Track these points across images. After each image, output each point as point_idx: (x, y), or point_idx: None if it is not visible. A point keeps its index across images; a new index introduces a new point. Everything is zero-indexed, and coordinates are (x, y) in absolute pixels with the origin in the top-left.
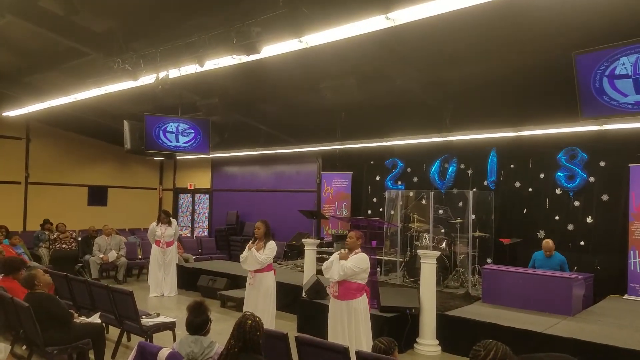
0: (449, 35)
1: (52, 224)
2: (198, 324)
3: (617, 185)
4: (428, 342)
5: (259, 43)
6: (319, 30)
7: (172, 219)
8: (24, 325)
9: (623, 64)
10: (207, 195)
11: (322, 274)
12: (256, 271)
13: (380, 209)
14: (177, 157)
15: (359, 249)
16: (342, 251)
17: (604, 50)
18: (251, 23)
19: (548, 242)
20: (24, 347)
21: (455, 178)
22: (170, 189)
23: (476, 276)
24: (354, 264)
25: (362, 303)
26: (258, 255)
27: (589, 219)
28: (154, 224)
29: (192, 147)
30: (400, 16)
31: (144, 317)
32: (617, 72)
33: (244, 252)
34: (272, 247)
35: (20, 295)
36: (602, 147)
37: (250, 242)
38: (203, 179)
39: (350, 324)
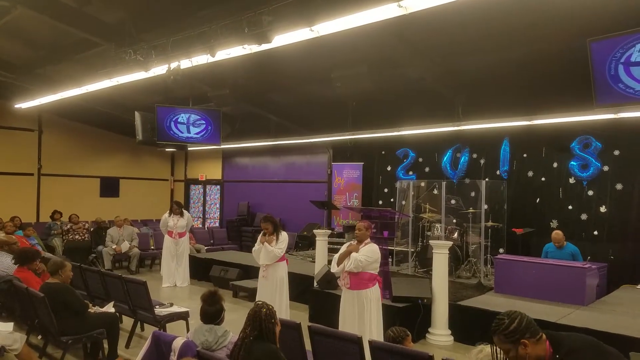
0: (461, 24)
1: (61, 214)
2: (212, 313)
3: (631, 175)
4: (440, 332)
5: (271, 32)
6: (331, 18)
7: (184, 210)
8: (39, 315)
9: (639, 50)
10: (218, 186)
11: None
12: None
13: (392, 200)
14: (189, 148)
15: (369, 240)
16: (352, 243)
17: (619, 37)
18: (262, 12)
19: (558, 234)
20: (39, 337)
21: (468, 168)
22: (182, 180)
23: (488, 266)
24: (365, 255)
25: (374, 293)
26: (274, 250)
27: (602, 209)
28: (167, 214)
29: (203, 138)
30: (413, 4)
31: (157, 307)
32: (632, 59)
33: (256, 245)
34: (284, 238)
35: (35, 285)
36: (616, 136)
37: (261, 235)
38: (214, 170)
39: (362, 313)
